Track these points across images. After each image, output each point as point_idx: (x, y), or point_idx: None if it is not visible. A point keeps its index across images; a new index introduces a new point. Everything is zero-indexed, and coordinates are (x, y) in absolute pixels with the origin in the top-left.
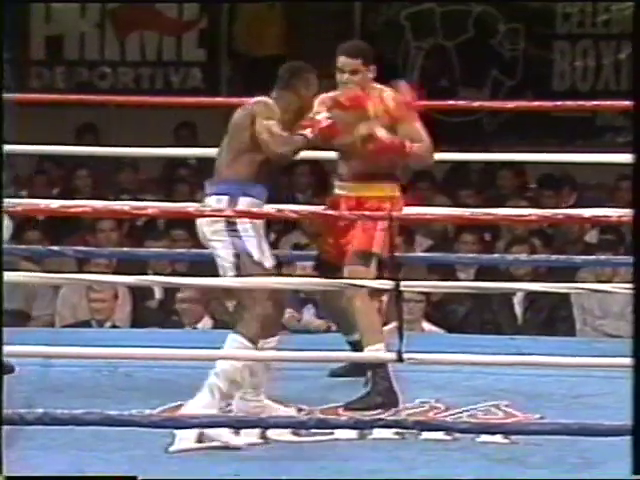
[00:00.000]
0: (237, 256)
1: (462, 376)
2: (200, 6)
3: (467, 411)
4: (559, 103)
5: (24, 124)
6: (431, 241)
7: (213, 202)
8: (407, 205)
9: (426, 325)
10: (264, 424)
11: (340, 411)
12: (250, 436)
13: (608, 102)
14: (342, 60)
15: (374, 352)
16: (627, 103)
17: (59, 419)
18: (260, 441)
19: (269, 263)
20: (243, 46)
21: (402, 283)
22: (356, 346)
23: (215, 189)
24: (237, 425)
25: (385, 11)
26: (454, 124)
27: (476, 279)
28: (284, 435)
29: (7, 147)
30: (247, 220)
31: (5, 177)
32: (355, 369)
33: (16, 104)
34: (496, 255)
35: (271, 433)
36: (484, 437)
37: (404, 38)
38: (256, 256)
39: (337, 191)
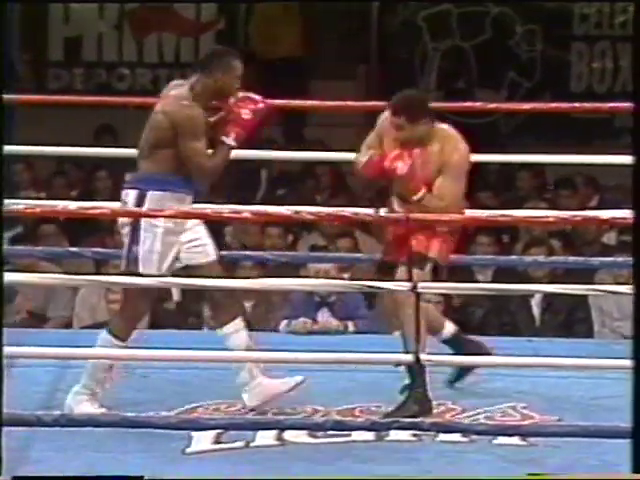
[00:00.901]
0: (129, 251)
1: (479, 378)
2: (218, 7)
3: (484, 413)
4: (577, 105)
5: (43, 125)
6: None
7: (124, 195)
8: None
9: None
10: (281, 426)
11: (356, 411)
12: (267, 438)
13: (626, 104)
14: (390, 116)
15: (391, 355)
16: None
17: (76, 421)
18: (277, 442)
19: (151, 270)
20: (260, 47)
21: (420, 285)
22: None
23: (129, 183)
24: (254, 427)
25: (402, 12)
26: (471, 125)
27: (494, 281)
28: (301, 437)
29: (26, 148)
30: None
31: (6, 177)
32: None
33: (35, 105)
34: (514, 257)
35: (288, 435)
36: (501, 439)
37: (421, 39)
38: (140, 255)
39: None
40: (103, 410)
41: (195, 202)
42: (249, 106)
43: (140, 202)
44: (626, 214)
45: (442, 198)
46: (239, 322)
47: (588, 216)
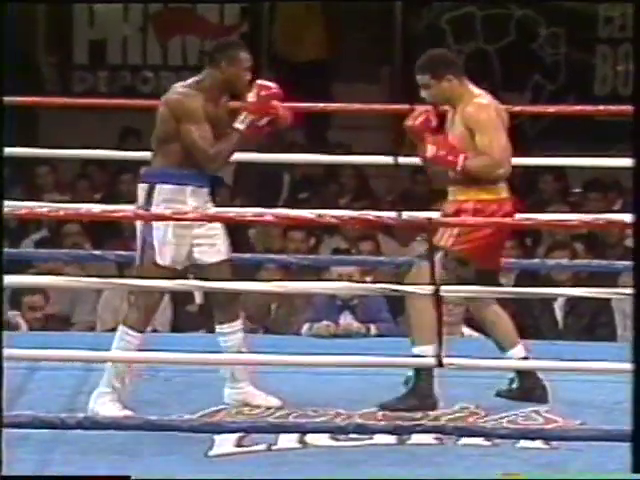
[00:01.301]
0: (143, 242)
1: (502, 381)
2: (241, 10)
3: (507, 417)
4: (601, 107)
5: (67, 128)
6: None
7: (138, 189)
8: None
9: (466, 330)
10: (303, 429)
11: (379, 415)
12: (289, 441)
13: None
14: (417, 77)
15: (413, 358)
16: None
17: (100, 423)
18: (299, 445)
19: (166, 260)
20: (283, 50)
21: (442, 288)
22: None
23: (141, 177)
24: (276, 430)
25: (426, 15)
26: None
27: (517, 284)
28: (323, 440)
29: (50, 151)
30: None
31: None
32: (520, 394)
33: (60, 108)
34: (537, 260)
35: (310, 438)
36: (524, 443)
37: (445, 42)
38: (155, 245)
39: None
40: (127, 411)
41: (217, 201)
42: (260, 92)
43: (149, 195)
44: None
45: (489, 154)
46: (237, 324)
47: (611, 219)
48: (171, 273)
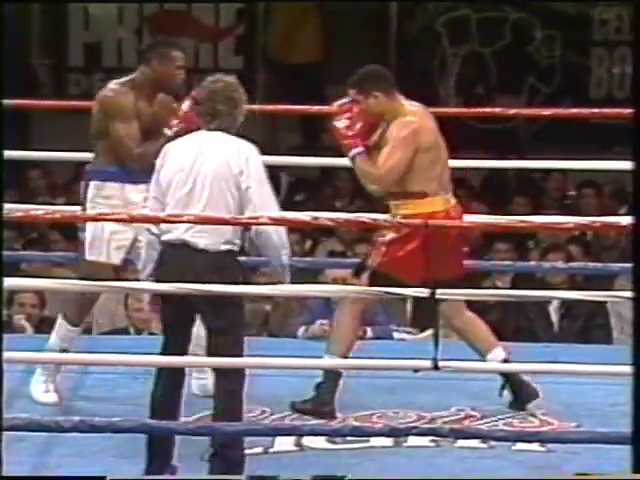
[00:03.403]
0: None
1: (498, 384)
2: (237, 13)
3: (503, 419)
4: (596, 110)
5: (63, 131)
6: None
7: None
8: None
9: None
10: (299, 432)
11: (375, 417)
12: (285, 443)
13: None
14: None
15: (409, 360)
16: None
17: (96, 426)
18: (295, 448)
19: (93, 256)
20: (278, 53)
21: (438, 290)
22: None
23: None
24: (273, 433)
25: (421, 17)
26: (490, 131)
27: (512, 286)
28: (319, 442)
29: (45, 154)
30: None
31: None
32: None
33: (54, 111)
34: (533, 262)
35: (306, 440)
36: (520, 445)
37: (440, 45)
38: (86, 241)
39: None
40: (55, 398)
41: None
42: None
43: (85, 192)
44: None
45: (377, 167)
46: None
47: (608, 222)
48: (104, 269)
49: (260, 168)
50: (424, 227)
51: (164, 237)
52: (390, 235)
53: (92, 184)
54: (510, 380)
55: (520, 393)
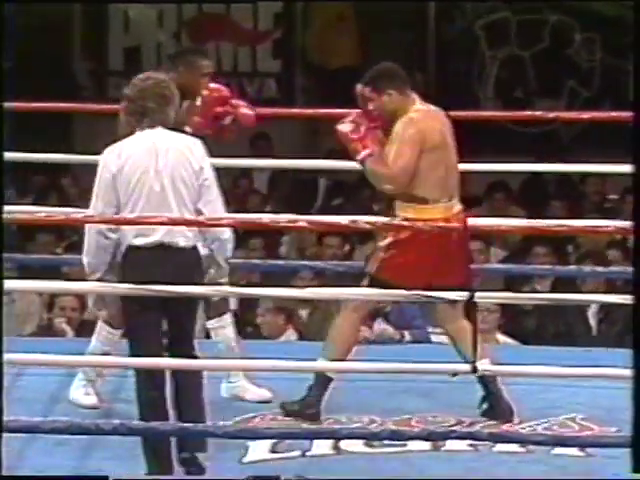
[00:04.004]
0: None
1: (537, 388)
2: (275, 17)
3: (542, 423)
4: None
5: (102, 134)
6: (506, 252)
7: None
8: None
9: (500, 336)
10: (337, 435)
11: (413, 421)
12: (323, 447)
13: None
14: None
15: (447, 364)
16: None
17: (135, 429)
18: (333, 452)
19: None
20: (316, 56)
21: (476, 294)
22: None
23: None
24: (311, 436)
25: (460, 21)
26: (529, 135)
27: (552, 291)
28: (357, 446)
29: (85, 157)
30: None
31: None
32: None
33: (94, 114)
34: (572, 267)
35: (344, 444)
36: (559, 450)
37: (479, 48)
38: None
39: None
40: (95, 401)
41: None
42: (205, 94)
43: None
44: None
45: (387, 165)
46: (226, 318)
47: None
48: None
49: (209, 162)
50: (462, 229)
51: (136, 241)
52: (387, 240)
53: None
54: (490, 393)
55: (495, 408)
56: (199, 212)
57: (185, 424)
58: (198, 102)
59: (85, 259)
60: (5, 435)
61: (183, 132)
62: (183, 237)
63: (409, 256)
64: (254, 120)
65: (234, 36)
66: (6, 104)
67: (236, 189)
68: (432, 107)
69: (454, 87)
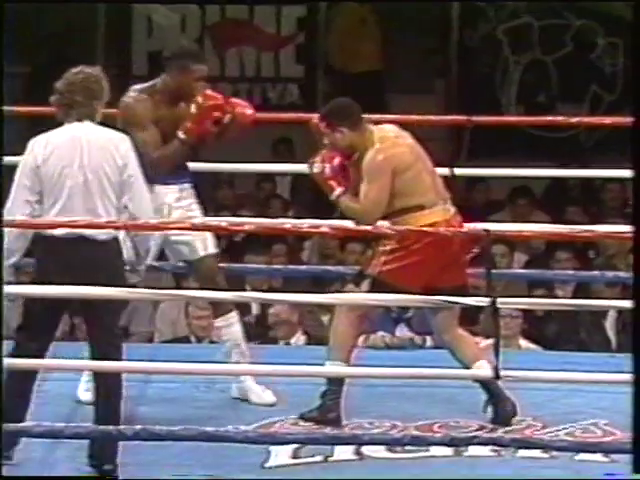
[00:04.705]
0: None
1: (560, 394)
2: (297, 22)
3: (565, 429)
4: None
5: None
6: (528, 257)
7: None
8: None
9: (523, 342)
10: (359, 440)
11: (435, 427)
12: (345, 452)
13: None
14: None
15: (469, 370)
16: None
17: (157, 434)
18: (355, 457)
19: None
20: (339, 61)
21: (499, 300)
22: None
23: None
24: (333, 441)
25: (483, 26)
26: (552, 139)
27: (575, 296)
28: (379, 452)
29: None
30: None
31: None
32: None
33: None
34: (595, 272)
35: (366, 449)
36: (583, 455)
37: (502, 53)
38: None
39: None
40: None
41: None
42: (200, 101)
43: None
44: None
45: (361, 202)
46: (231, 316)
47: None
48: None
49: (135, 158)
50: (485, 235)
51: (57, 232)
52: (391, 245)
53: None
54: (493, 396)
55: (498, 410)
56: (124, 207)
57: (209, 429)
58: (193, 109)
59: (5, 244)
60: (28, 440)
61: (173, 135)
62: (104, 230)
63: (412, 259)
64: (253, 119)
65: (257, 41)
66: (28, 109)
67: (259, 194)
68: (394, 129)
69: (477, 92)
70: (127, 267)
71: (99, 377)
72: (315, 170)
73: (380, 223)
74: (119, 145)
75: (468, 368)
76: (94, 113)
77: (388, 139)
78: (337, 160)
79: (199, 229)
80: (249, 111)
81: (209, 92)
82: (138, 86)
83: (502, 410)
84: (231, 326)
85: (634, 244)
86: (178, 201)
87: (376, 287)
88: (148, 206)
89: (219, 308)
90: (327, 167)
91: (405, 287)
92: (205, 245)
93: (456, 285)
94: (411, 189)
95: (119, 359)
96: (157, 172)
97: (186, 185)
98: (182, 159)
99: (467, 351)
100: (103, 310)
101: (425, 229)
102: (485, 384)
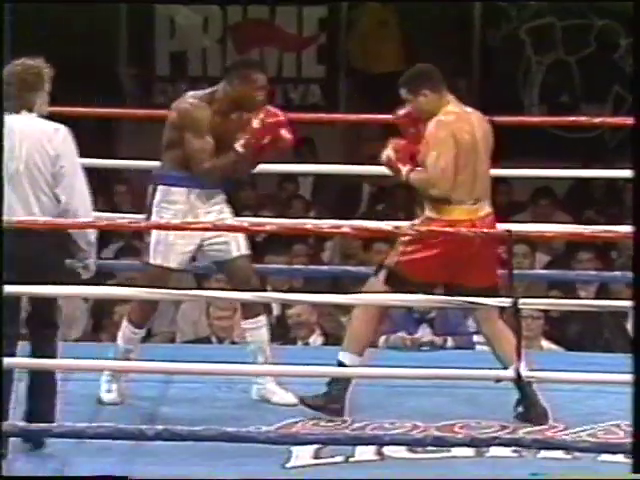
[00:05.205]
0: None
1: (582, 395)
2: (319, 22)
3: (587, 430)
4: None
5: (149, 140)
6: (550, 257)
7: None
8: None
9: (544, 343)
10: (380, 441)
11: (456, 427)
12: (366, 453)
13: None
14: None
15: (491, 370)
16: None
17: (178, 435)
18: (376, 458)
19: (157, 260)
20: (360, 62)
21: (520, 300)
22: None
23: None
24: (354, 442)
25: (505, 26)
26: (575, 140)
27: (597, 297)
28: (400, 452)
29: (130, 162)
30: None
31: None
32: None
33: (140, 120)
34: (617, 273)
35: (387, 450)
36: (605, 456)
37: (525, 53)
38: (151, 245)
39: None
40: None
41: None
42: (262, 117)
43: (152, 197)
44: None
45: (427, 172)
46: (260, 320)
47: None
48: (163, 273)
49: (74, 149)
50: (508, 236)
51: None
52: (409, 237)
53: (159, 188)
54: (526, 397)
55: (530, 411)
56: (56, 198)
57: (230, 429)
58: (255, 124)
59: None
60: (51, 440)
61: (223, 144)
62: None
63: (429, 252)
64: (292, 145)
65: (279, 42)
66: (53, 109)
67: (280, 194)
68: (468, 109)
69: (499, 92)
70: (78, 262)
71: (34, 374)
72: (382, 159)
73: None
74: (53, 136)
75: (503, 363)
76: (31, 105)
77: (457, 113)
78: (403, 145)
79: (220, 229)
80: (290, 136)
81: (271, 109)
82: (195, 93)
83: (534, 412)
84: (258, 329)
85: (634, 244)
86: (211, 205)
87: (392, 278)
88: (83, 197)
89: (248, 310)
90: (389, 154)
91: (420, 280)
92: (238, 246)
93: (485, 286)
94: (446, 176)
95: (53, 356)
96: (207, 180)
97: (219, 189)
98: (233, 172)
99: (507, 347)
100: (41, 305)
101: (445, 229)
102: (519, 385)
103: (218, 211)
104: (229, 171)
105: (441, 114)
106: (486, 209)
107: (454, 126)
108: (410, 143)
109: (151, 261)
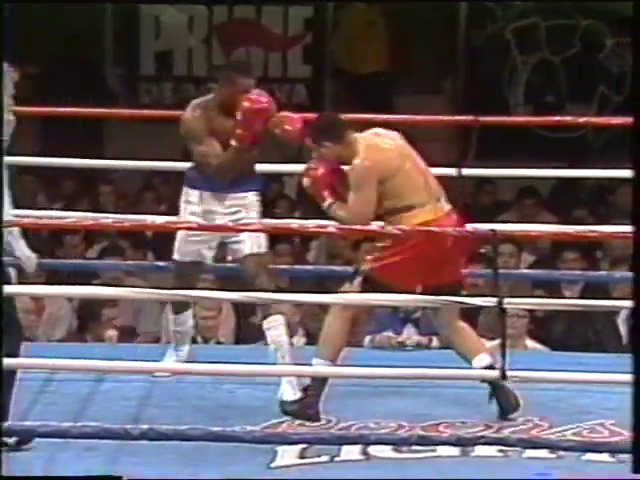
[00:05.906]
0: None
1: (567, 394)
2: (305, 22)
3: (571, 429)
4: None
5: (134, 140)
6: (535, 257)
7: None
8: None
9: (529, 342)
10: (366, 440)
11: (441, 427)
12: (352, 452)
13: None
14: None
15: (476, 370)
16: None
17: (163, 434)
18: (362, 457)
19: (177, 255)
20: (346, 62)
21: (505, 300)
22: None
23: None
24: (339, 441)
25: (490, 26)
26: (559, 140)
27: (581, 297)
28: (385, 452)
29: (116, 162)
30: None
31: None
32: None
33: (127, 120)
34: (602, 272)
35: (372, 449)
36: (590, 455)
37: (510, 53)
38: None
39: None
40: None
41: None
42: (246, 109)
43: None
44: None
45: (347, 210)
46: (274, 319)
47: None
48: (181, 267)
49: None
50: (492, 236)
51: None
52: (383, 243)
53: (183, 189)
54: (496, 389)
55: (503, 403)
56: None
57: (215, 429)
58: (239, 116)
59: None
60: (36, 440)
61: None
62: None
63: (402, 256)
64: (300, 132)
65: (264, 41)
66: (37, 109)
67: (266, 194)
68: (382, 133)
69: (484, 92)
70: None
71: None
72: (305, 184)
73: (374, 224)
74: None
75: (469, 361)
76: None
77: (372, 147)
78: (328, 169)
79: (204, 229)
80: (291, 127)
81: (253, 96)
82: (197, 100)
83: (505, 401)
84: (273, 329)
85: (634, 244)
86: (225, 207)
87: (367, 284)
88: None
89: (262, 310)
90: (312, 181)
91: (395, 285)
92: (251, 245)
93: (448, 283)
94: (399, 191)
95: (15, 354)
96: (221, 180)
97: (241, 194)
98: (243, 165)
99: (467, 343)
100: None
101: (425, 229)
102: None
103: (233, 212)
104: (238, 166)
105: (356, 157)
106: (447, 206)
107: (370, 162)
108: (331, 171)
109: (175, 257)
